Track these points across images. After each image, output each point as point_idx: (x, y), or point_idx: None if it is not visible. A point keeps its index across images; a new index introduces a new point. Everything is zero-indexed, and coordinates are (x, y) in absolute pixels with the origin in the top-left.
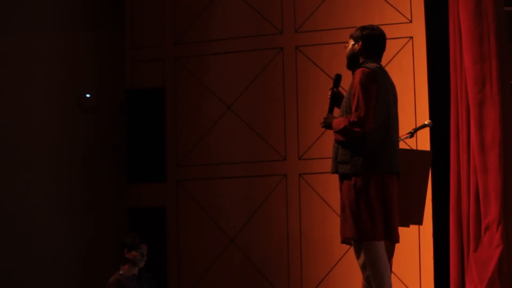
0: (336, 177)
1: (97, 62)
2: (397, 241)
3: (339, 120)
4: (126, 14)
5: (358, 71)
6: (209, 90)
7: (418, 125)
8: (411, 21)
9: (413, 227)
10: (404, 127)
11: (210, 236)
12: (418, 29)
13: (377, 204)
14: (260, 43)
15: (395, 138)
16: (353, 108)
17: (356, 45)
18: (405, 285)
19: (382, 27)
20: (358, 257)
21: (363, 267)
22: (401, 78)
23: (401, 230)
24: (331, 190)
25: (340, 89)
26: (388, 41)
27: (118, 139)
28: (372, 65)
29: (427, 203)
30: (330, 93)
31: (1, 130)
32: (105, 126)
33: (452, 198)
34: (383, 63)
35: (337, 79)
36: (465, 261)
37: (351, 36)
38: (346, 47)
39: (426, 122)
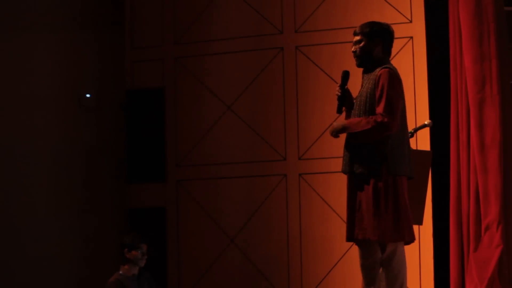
0: (337, 177)
1: (97, 62)
2: (414, 240)
3: (358, 121)
4: (126, 14)
5: (384, 72)
6: (209, 90)
7: (418, 125)
8: (411, 21)
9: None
10: None
11: (210, 236)
12: (418, 29)
13: (401, 205)
14: (260, 43)
15: (409, 142)
16: (381, 109)
17: (374, 44)
18: None
19: None
20: (368, 257)
21: (387, 266)
22: (401, 78)
23: None
24: (331, 190)
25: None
26: None
27: (118, 139)
28: (391, 66)
29: (427, 203)
30: (339, 91)
31: (1, 130)
32: (105, 126)
33: (452, 198)
34: None
35: (346, 76)
36: (465, 261)
37: (362, 33)
38: (355, 44)
39: (426, 122)
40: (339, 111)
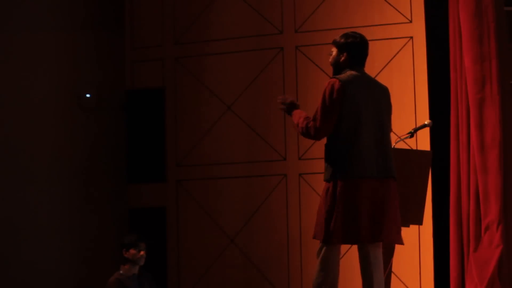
0: None
1: (97, 62)
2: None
3: (300, 115)
4: (126, 14)
5: (328, 82)
6: (209, 90)
7: (418, 125)
8: (411, 21)
9: (413, 227)
10: (404, 127)
11: (210, 236)
12: (418, 29)
13: (339, 209)
14: (260, 43)
15: (369, 144)
16: (312, 116)
17: (341, 55)
18: (405, 285)
19: (382, 27)
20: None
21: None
22: (401, 78)
23: (401, 230)
24: None
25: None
26: (388, 41)
27: (118, 139)
28: (347, 75)
29: (427, 203)
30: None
31: (1, 130)
32: (105, 126)
33: (452, 198)
34: (382, 63)
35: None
36: (465, 261)
37: (335, 44)
38: (330, 54)
39: (426, 122)
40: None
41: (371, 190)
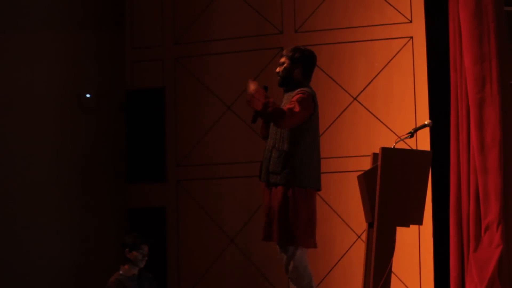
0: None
1: (97, 62)
2: (316, 247)
3: (272, 101)
4: (126, 14)
5: (299, 92)
6: (209, 90)
7: (418, 125)
8: (411, 21)
9: (413, 227)
10: (404, 127)
11: (210, 236)
12: (418, 29)
13: (303, 214)
14: (260, 43)
15: (318, 158)
16: (287, 106)
17: (296, 68)
18: (405, 285)
19: (382, 27)
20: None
21: (289, 269)
22: (401, 78)
23: (401, 230)
24: (330, 190)
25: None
26: (388, 41)
27: (118, 139)
28: (309, 89)
29: (427, 203)
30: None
31: (1, 130)
32: (105, 126)
33: (452, 198)
34: (383, 63)
35: (264, 90)
36: (465, 261)
37: (287, 56)
38: (280, 64)
39: (426, 122)
40: (254, 121)
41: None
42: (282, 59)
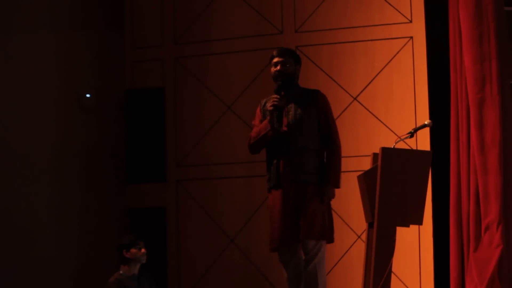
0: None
1: (97, 62)
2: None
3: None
4: (126, 14)
5: (323, 95)
6: (209, 90)
7: (418, 125)
8: (411, 21)
9: (413, 227)
10: (404, 127)
11: (210, 236)
12: (418, 29)
13: (330, 211)
14: (260, 43)
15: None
16: (333, 132)
17: (298, 68)
18: (405, 285)
19: (382, 27)
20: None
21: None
22: (401, 78)
23: (401, 230)
24: None
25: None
26: (388, 41)
27: (118, 139)
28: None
29: (427, 203)
30: (278, 102)
31: (1, 130)
32: (105, 126)
33: (452, 198)
34: (383, 63)
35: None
36: (465, 261)
37: (292, 57)
38: (282, 64)
39: (426, 122)
40: (281, 125)
41: None
42: (281, 59)
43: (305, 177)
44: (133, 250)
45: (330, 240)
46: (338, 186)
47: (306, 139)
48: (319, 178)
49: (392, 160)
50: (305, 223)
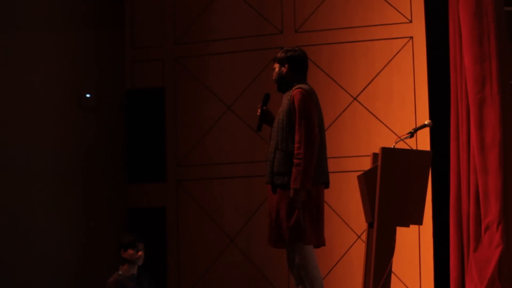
0: (336, 177)
1: (97, 62)
2: (324, 244)
3: (297, 169)
4: (126, 14)
5: (296, 92)
6: (209, 90)
7: (418, 125)
8: (411, 21)
9: (413, 227)
10: (404, 127)
11: (210, 236)
12: (418, 29)
13: (311, 211)
14: (260, 43)
15: (326, 155)
16: (297, 131)
17: (283, 68)
18: (405, 285)
19: (382, 27)
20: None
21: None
22: (401, 78)
23: (401, 230)
24: (330, 190)
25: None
26: (388, 41)
27: (118, 139)
28: (304, 85)
29: (427, 203)
30: (259, 111)
31: (1, 129)
32: (105, 126)
33: (452, 198)
34: (383, 63)
35: (266, 97)
36: (465, 261)
37: (276, 60)
38: (273, 70)
39: (426, 122)
40: (259, 129)
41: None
42: (273, 65)
43: (270, 179)
44: (130, 251)
45: (306, 241)
46: (297, 187)
47: (278, 141)
48: (287, 180)
49: (392, 160)
50: (275, 227)
